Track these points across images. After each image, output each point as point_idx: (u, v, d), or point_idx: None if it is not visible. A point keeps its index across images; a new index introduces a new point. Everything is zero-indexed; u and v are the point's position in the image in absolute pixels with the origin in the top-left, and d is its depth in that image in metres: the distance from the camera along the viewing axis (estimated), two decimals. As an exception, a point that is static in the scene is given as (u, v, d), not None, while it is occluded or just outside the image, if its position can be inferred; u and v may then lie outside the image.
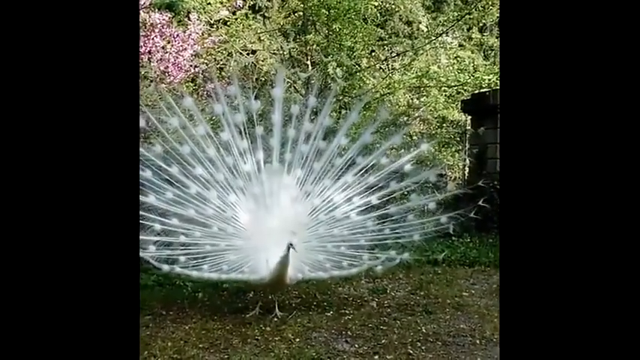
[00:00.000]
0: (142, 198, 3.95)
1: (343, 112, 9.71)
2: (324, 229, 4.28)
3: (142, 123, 4.09)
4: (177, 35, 8.34)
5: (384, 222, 4.29)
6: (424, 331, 3.85)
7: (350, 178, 4.30)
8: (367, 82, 9.99)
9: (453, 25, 10.82)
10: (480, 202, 4.25)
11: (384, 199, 4.31)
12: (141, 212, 3.92)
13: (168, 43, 8.30)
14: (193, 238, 4.13)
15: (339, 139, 4.34)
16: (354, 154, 4.30)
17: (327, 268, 4.21)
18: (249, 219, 4.20)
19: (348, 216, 4.29)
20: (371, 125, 4.47)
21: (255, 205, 4.21)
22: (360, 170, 4.31)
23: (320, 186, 4.29)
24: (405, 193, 4.32)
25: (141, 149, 4.03)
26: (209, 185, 4.20)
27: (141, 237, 3.88)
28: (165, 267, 3.98)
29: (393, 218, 4.29)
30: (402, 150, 9.12)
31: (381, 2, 10.84)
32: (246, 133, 4.31)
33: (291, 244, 3.77)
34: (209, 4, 9.29)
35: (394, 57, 11.15)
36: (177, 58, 8.28)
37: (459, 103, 9.39)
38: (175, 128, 4.24)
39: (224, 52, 9.34)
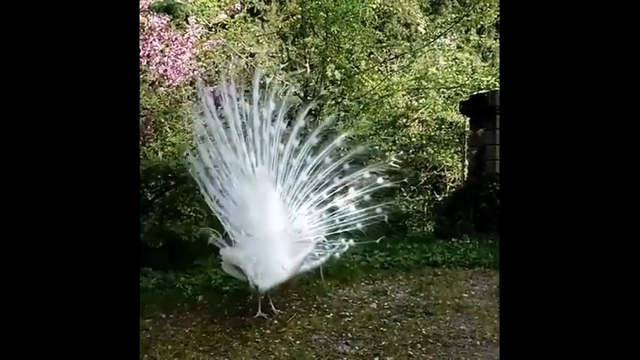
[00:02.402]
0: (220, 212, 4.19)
1: (342, 114, 9.73)
2: (297, 223, 4.44)
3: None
4: (176, 38, 8.35)
5: (333, 214, 4.59)
6: (424, 332, 3.85)
7: (305, 176, 4.55)
8: (366, 84, 10.01)
9: (451, 27, 10.85)
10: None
11: (332, 194, 4.62)
12: (230, 229, 4.13)
13: (167, 46, 8.30)
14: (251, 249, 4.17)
15: (293, 141, 4.55)
16: (305, 155, 4.56)
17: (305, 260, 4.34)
18: (257, 222, 4.25)
19: (310, 211, 4.54)
20: (318, 128, 4.72)
21: (257, 208, 4.25)
22: (311, 169, 4.58)
23: (285, 185, 4.48)
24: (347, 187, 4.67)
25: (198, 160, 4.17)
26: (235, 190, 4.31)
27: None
28: (259, 283, 3.98)
29: (339, 210, 4.61)
30: (401, 152, 9.13)
31: (379, 5, 10.87)
32: (241, 136, 4.41)
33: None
34: (207, 7, 9.30)
35: (392, 59, 11.16)
36: (175, 61, 8.29)
37: (458, 104, 9.41)
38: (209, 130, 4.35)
39: (222, 55, 9.35)
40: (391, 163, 4.66)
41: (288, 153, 4.52)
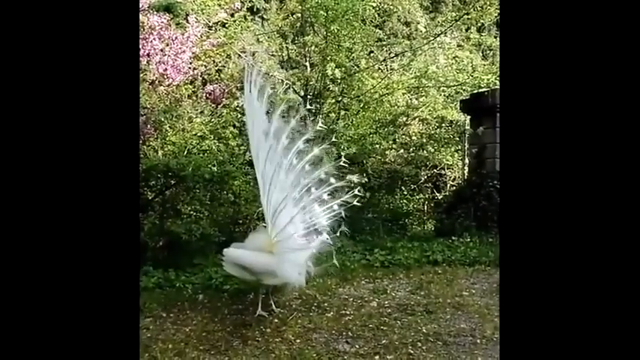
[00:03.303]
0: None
1: (342, 113, 9.72)
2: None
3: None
4: (176, 38, 8.34)
5: (304, 212, 4.59)
6: (425, 331, 3.85)
7: (284, 177, 4.53)
8: (366, 82, 9.99)
9: (451, 26, 10.82)
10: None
11: (302, 193, 4.60)
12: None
13: (167, 45, 8.30)
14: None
15: (271, 141, 4.48)
16: (280, 157, 4.51)
17: None
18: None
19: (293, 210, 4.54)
20: (286, 130, 4.63)
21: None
22: (287, 170, 4.55)
23: (273, 184, 4.45)
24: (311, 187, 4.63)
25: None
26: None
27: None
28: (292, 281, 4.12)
29: (307, 208, 4.60)
30: (401, 150, 9.11)
31: (380, 3, 10.83)
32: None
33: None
34: (207, 6, 9.29)
35: (393, 57, 11.13)
36: (175, 60, 8.28)
37: (458, 103, 9.40)
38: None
39: (223, 54, 9.34)
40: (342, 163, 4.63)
41: (272, 154, 4.47)
